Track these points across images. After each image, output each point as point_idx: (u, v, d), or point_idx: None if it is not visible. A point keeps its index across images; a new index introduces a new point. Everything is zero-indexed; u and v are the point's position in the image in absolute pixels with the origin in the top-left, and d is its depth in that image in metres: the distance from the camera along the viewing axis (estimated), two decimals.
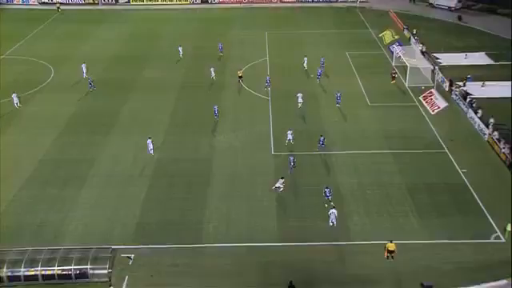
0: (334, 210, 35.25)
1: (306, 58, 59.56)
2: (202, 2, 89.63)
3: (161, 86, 56.51)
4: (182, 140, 45.73)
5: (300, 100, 50.41)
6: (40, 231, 35.37)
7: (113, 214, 36.85)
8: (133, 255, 32.96)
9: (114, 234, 35.01)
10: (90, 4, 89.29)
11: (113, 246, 33.29)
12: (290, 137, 44.63)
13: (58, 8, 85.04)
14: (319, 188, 38.55)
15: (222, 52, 64.80)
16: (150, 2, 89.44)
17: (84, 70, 57.67)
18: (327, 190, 37.36)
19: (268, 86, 54.85)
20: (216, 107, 48.87)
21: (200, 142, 45.73)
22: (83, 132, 47.33)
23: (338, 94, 51.17)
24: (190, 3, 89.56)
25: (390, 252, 32.42)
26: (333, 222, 35.22)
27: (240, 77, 56.02)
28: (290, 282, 30.24)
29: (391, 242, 32.55)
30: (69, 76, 58.92)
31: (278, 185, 38.32)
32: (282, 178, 38.61)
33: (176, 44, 65.82)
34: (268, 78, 55.46)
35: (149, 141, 43.37)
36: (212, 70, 57.30)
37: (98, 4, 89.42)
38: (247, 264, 32.55)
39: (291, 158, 40.54)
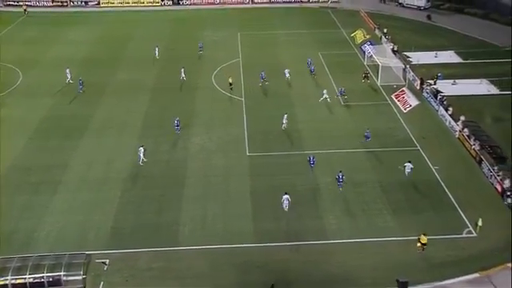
0: (287, 196, 36.20)
1: (287, 71, 56.95)
2: (174, 4, 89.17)
3: (133, 88, 55.94)
4: (155, 142, 45.30)
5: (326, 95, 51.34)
6: (11, 239, 34.57)
7: (86, 219, 36.32)
8: (108, 260, 32.53)
9: (88, 240, 34.53)
10: (58, 6, 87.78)
11: (87, 252, 32.81)
12: (284, 121, 46.08)
13: (25, 10, 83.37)
14: (294, 188, 38.83)
15: (201, 51, 64.92)
16: (120, 4, 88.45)
17: (69, 76, 56.11)
18: (340, 175, 38.56)
19: (264, 80, 55.26)
20: (177, 119, 46.78)
21: (174, 144, 45.45)
22: (55, 136, 46.52)
23: (342, 90, 52.78)
24: (161, 5, 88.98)
25: (423, 244, 32.92)
26: (286, 207, 36.24)
27: (230, 84, 54.17)
28: (272, 286, 30.24)
29: (424, 234, 33.02)
30: (38, 80, 57.91)
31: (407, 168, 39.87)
32: (410, 162, 40.05)
33: (147, 45, 65.58)
34: (263, 73, 55.72)
35: (140, 148, 42.35)
36: (182, 70, 56.88)
37: (66, 6, 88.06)
38: (224, 266, 32.47)
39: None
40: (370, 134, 44.61)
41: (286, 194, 36.73)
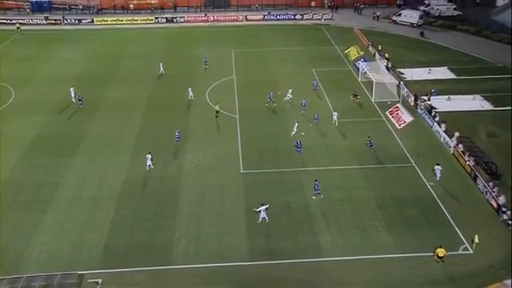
0: (263, 207, 36.71)
1: (290, 90, 56.44)
2: (167, 22, 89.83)
3: (127, 105, 55.98)
4: (145, 164, 45.06)
5: (335, 118, 51.11)
6: (0, 259, 34.15)
7: (79, 238, 36.02)
8: (100, 280, 32.17)
9: (81, 259, 34.19)
10: (52, 24, 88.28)
11: (79, 272, 32.54)
12: (295, 129, 48.35)
13: (18, 28, 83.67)
14: (289, 205, 38.92)
15: (206, 65, 65.76)
16: (114, 22, 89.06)
17: (72, 95, 56.14)
18: (317, 183, 39.60)
19: (271, 101, 55.17)
20: (178, 131, 48.00)
21: (168, 161, 45.36)
22: (47, 154, 46.30)
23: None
24: (155, 23, 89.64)
25: (440, 257, 32.96)
26: (264, 218, 36.81)
27: (217, 112, 52.43)
28: None
29: (440, 247, 33.12)
30: (31, 97, 57.85)
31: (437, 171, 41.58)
32: (438, 165, 41.68)
33: (142, 63, 66.20)
34: (271, 94, 55.58)
35: (148, 156, 43.41)
36: (190, 89, 56.66)
37: (60, 24, 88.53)
38: (218, 285, 32.22)
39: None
40: (372, 142, 46.30)
41: (262, 205, 37.00)
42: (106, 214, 38.43)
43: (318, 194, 39.77)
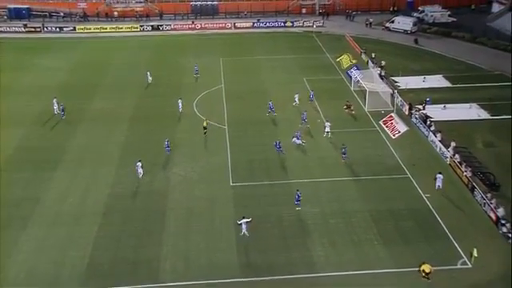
0: (244, 220, 36.88)
1: (297, 95, 58.02)
2: (153, 29, 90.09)
3: (112, 116, 55.95)
4: (135, 173, 45.07)
5: (328, 129, 51.24)
6: None
7: (60, 256, 35.72)
8: None
9: (62, 278, 33.89)
10: (31, 32, 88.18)
11: None
12: (301, 141, 49.14)
13: None
14: (280, 219, 39.02)
15: (197, 74, 66.07)
16: (97, 30, 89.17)
17: (55, 106, 55.94)
18: (298, 193, 40.07)
19: (272, 111, 55.44)
20: (167, 140, 48.44)
21: (155, 174, 45.29)
22: (27, 168, 46.01)
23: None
24: (140, 31, 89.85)
25: (427, 273, 32.94)
26: (244, 233, 36.89)
27: (205, 127, 51.60)
28: None
29: (424, 263, 33.14)
30: (9, 108, 57.59)
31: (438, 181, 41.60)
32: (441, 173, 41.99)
33: (127, 72, 66.48)
34: (270, 103, 55.84)
35: (138, 163, 43.80)
36: (180, 101, 56.63)
37: (40, 32, 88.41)
38: None
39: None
40: (346, 150, 46.50)
41: (243, 217, 37.17)
42: (89, 230, 38.20)
43: (298, 205, 40.02)
